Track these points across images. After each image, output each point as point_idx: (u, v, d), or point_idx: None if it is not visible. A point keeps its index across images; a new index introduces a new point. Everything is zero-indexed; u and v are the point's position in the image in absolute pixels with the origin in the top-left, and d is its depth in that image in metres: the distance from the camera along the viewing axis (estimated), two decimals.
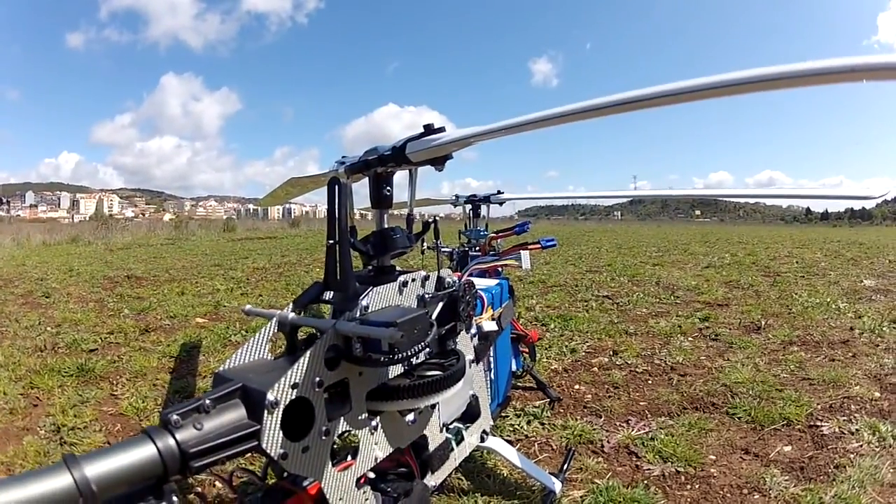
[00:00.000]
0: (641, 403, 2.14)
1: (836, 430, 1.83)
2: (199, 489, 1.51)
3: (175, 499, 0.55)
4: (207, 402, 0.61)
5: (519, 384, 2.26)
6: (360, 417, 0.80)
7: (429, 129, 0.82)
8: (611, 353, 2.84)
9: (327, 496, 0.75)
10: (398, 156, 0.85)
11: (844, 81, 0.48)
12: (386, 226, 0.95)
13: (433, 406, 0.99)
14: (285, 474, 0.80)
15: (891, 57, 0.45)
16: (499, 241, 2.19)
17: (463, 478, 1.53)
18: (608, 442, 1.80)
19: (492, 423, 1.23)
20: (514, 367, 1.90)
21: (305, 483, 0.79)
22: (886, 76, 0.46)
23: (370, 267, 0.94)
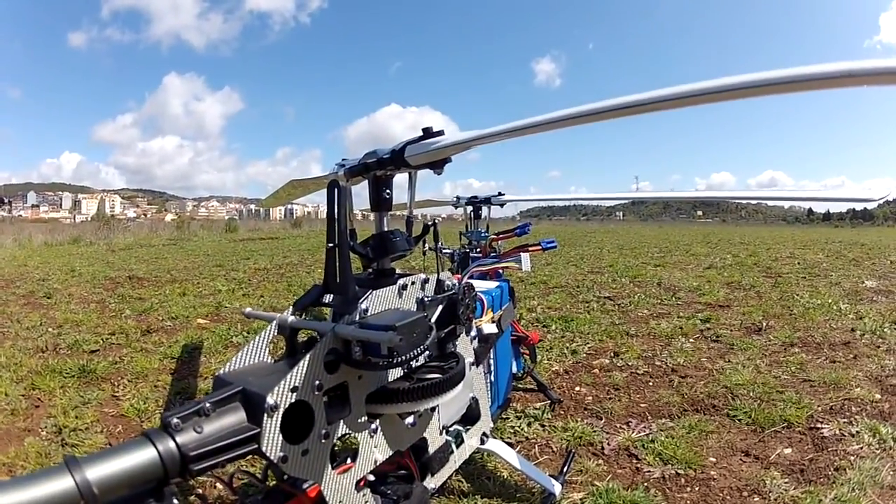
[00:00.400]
0: (642, 405, 2.14)
1: (837, 432, 1.83)
2: (200, 491, 1.51)
3: (175, 501, 0.55)
4: (207, 405, 0.61)
5: (519, 386, 2.26)
6: (359, 420, 0.80)
7: (428, 133, 0.82)
8: (612, 354, 2.84)
9: (327, 499, 0.76)
10: (397, 159, 0.85)
11: (846, 86, 0.47)
12: (386, 228, 0.95)
13: (433, 409, 0.99)
14: (285, 477, 0.81)
15: (891, 62, 0.45)
16: (500, 242, 2.18)
17: (463, 480, 1.53)
18: (608, 444, 1.79)
19: (492, 425, 1.22)
20: (514, 369, 1.90)
21: (305, 485, 0.79)
22: (888, 81, 0.45)
23: (370, 270, 0.94)
